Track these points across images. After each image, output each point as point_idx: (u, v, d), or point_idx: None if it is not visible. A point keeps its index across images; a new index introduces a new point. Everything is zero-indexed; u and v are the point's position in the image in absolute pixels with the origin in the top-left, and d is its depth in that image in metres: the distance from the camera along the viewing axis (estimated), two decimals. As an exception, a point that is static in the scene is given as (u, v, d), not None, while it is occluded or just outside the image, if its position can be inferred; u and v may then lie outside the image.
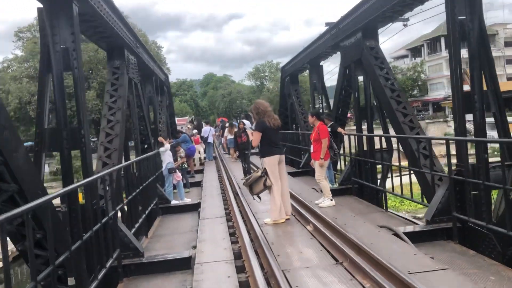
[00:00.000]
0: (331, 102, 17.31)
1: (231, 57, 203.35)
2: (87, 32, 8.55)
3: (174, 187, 12.28)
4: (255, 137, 7.34)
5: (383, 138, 10.68)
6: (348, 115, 16.63)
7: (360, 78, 11.19)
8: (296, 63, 17.44)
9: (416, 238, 6.41)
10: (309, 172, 14.46)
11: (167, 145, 11.69)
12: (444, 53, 74.34)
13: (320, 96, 15.57)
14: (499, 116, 6.69)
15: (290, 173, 14.98)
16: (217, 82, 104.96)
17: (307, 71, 18.95)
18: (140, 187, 8.84)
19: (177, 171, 11.98)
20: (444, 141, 7.12)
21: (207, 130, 21.92)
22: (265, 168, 7.35)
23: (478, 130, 6.50)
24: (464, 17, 6.51)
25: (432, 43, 78.21)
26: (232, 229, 7.66)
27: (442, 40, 74.89)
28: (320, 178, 8.61)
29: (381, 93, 9.44)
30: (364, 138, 10.52)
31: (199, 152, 20.66)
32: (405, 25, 12.33)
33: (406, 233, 6.40)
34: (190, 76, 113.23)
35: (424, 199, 7.94)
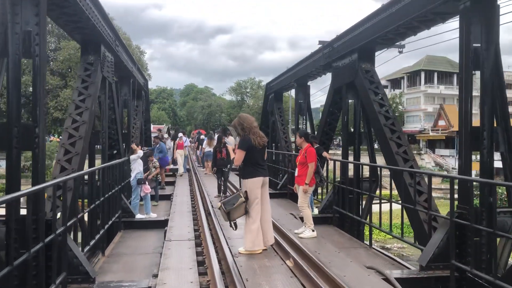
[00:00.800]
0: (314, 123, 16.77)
1: (214, 70, 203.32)
2: (59, 20, 7.66)
3: (141, 199, 11.30)
4: (238, 156, 6.52)
5: (368, 167, 10.06)
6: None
7: (351, 102, 10.60)
8: (282, 81, 16.81)
9: (408, 284, 5.68)
10: (287, 194, 13.71)
11: (140, 153, 10.75)
12: (423, 87, 75.91)
13: (304, 117, 14.93)
14: (508, 157, 6.07)
15: (266, 194, 14.23)
16: (198, 93, 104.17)
17: (293, 90, 18.41)
18: (102, 198, 7.86)
19: (146, 182, 11.02)
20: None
21: (182, 139, 20.99)
22: (246, 191, 6.53)
23: (485, 170, 5.86)
24: (479, 45, 5.96)
25: (412, 77, 79.69)
26: (201, 256, 6.77)
27: (422, 74, 76.56)
28: (303, 205, 7.85)
29: (374, 119, 8.82)
30: (352, 165, 9.86)
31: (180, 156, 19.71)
32: (400, 52, 11.85)
33: (397, 279, 5.66)
34: (171, 85, 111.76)
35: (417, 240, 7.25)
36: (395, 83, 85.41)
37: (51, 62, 54.64)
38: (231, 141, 16.38)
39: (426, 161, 65.91)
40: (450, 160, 63.49)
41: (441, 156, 67.48)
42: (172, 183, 17.50)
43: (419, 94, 76.94)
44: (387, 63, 22.96)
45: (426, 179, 7.11)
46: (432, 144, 71.35)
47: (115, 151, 11.75)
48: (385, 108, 8.82)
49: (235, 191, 14.28)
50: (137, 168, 10.75)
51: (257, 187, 6.53)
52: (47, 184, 4.77)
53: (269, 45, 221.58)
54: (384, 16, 8.37)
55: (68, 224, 5.27)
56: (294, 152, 14.64)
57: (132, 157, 10.66)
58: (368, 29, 9.04)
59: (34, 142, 5.33)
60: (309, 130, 15.13)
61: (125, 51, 12.48)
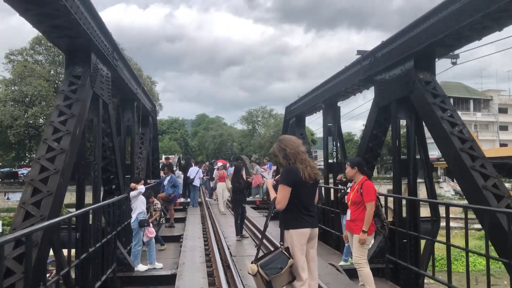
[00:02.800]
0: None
1: (226, 101, 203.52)
2: (41, 25, 5.83)
3: (143, 243, 9.24)
4: (281, 195, 4.44)
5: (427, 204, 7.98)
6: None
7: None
8: (306, 103, 14.84)
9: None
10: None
11: (141, 188, 8.72)
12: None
13: (334, 142, 12.86)
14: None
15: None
16: (209, 123, 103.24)
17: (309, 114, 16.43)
18: (92, 249, 5.84)
19: (150, 224, 8.96)
20: None
21: (194, 171, 18.82)
22: (287, 248, 4.43)
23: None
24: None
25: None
26: None
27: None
28: (360, 262, 5.69)
29: (445, 143, 6.72)
30: (406, 202, 7.76)
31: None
32: (453, 63, 9.84)
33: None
34: (184, 115, 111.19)
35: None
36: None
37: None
38: (258, 169, 14.18)
39: (445, 189, 63.06)
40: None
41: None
42: (183, 220, 15.38)
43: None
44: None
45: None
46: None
47: (113, 186, 9.78)
48: (459, 128, 6.73)
49: (256, 232, 12.28)
50: (139, 207, 8.71)
51: (302, 242, 4.45)
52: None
53: (279, 76, 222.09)
54: (455, 8, 6.42)
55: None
56: (332, 185, 12.54)
57: (132, 193, 8.65)
58: (429, 28, 7.09)
59: None
60: (340, 157, 13.05)
61: (127, 68, 10.67)
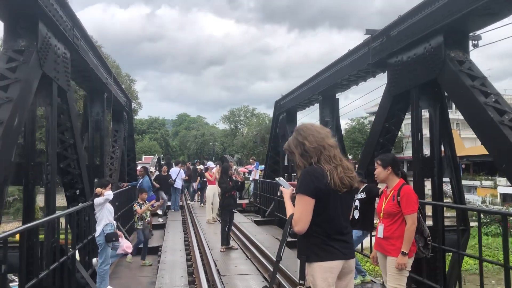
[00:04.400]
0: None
1: (207, 101, 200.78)
2: None
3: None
4: (299, 211, 2.90)
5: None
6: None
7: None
8: (299, 96, 13.40)
9: None
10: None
11: (107, 195, 7.08)
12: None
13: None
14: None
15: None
16: (190, 122, 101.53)
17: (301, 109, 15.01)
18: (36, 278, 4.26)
19: (120, 238, 7.35)
20: None
21: (175, 171, 17.11)
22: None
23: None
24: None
25: (410, 101, 77.32)
26: None
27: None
28: (399, 293, 4.23)
29: (493, 136, 5.32)
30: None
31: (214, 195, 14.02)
32: (475, 45, 8.50)
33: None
34: (165, 115, 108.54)
35: None
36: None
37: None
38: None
39: (428, 187, 62.68)
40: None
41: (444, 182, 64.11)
42: (162, 227, 13.74)
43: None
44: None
45: None
46: None
47: (76, 191, 8.15)
48: (509, 116, 5.34)
49: (246, 242, 10.71)
50: (104, 217, 7.08)
51: (330, 281, 2.94)
52: None
53: (261, 76, 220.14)
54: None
55: None
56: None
57: (97, 201, 7.01)
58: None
59: None
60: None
61: (94, 53, 9.00)
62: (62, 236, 6.65)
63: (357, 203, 6.62)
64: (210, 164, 15.03)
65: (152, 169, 19.33)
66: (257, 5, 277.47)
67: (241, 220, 14.24)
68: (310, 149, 3.05)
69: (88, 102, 10.55)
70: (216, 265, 8.06)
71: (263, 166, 25.73)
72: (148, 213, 9.57)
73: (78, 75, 8.97)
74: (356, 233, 6.68)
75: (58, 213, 6.35)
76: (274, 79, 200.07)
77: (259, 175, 21.43)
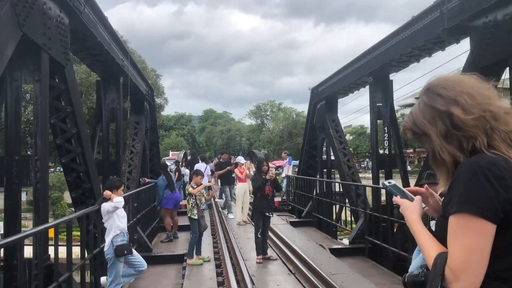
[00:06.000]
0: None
1: (233, 97, 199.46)
2: None
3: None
4: (467, 249, 1.29)
5: None
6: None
7: None
8: (342, 79, 11.66)
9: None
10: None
11: (117, 201, 5.59)
12: None
13: (386, 128, 9.63)
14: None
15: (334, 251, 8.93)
16: (216, 118, 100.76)
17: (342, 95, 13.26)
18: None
19: (133, 251, 5.87)
20: None
21: (201, 167, 15.55)
22: None
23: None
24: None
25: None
26: None
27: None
28: None
29: None
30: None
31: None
32: None
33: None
34: (192, 112, 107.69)
35: None
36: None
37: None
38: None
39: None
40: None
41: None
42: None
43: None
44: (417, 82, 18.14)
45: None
46: None
47: (83, 192, 6.74)
48: None
49: (285, 250, 9.11)
50: (113, 227, 5.60)
51: None
52: None
53: (287, 72, 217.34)
54: None
55: None
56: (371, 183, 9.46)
57: (105, 207, 5.53)
58: None
59: None
60: (393, 149, 9.84)
61: (105, 27, 7.54)
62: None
63: None
64: (240, 159, 13.43)
65: (173, 166, 17.91)
66: (283, 0, 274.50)
67: (275, 221, 12.63)
68: (467, 122, 1.45)
69: (101, 87, 9.14)
70: (253, 283, 6.51)
71: (296, 161, 24.14)
72: (203, 200, 8.27)
73: (86, 53, 7.56)
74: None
75: (52, 222, 4.91)
76: (300, 74, 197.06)
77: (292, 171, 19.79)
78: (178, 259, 8.85)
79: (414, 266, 5.59)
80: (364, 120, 52.02)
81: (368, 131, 61.35)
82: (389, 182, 1.83)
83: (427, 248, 1.53)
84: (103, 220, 5.67)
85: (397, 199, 1.75)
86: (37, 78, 4.76)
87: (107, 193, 5.69)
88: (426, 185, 1.99)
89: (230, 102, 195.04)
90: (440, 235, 1.52)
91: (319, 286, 6.09)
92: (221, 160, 13.98)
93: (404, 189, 1.78)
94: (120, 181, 6.13)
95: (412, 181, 8.86)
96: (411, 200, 1.70)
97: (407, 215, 1.66)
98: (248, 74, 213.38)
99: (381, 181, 9.67)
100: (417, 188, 1.88)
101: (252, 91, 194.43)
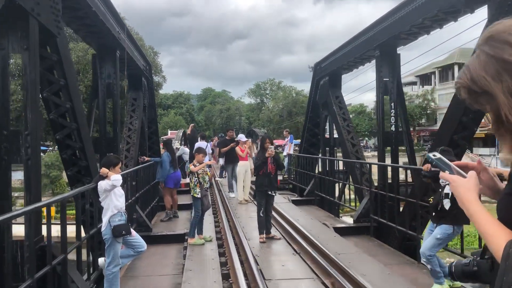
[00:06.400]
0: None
1: (232, 75, 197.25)
2: None
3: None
4: None
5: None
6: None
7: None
8: (347, 54, 11.25)
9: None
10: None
11: (114, 179, 5.29)
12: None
13: (392, 103, 9.29)
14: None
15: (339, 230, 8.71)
16: (215, 97, 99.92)
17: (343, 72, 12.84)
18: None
19: (131, 231, 5.61)
20: None
21: (202, 145, 15.23)
22: None
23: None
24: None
25: (444, 71, 73.12)
26: None
27: (456, 68, 69.85)
28: None
29: None
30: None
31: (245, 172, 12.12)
32: None
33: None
34: (190, 90, 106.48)
35: None
36: (424, 79, 78.82)
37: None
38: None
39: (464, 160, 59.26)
40: (489, 159, 55.68)
41: (480, 155, 60.38)
42: (188, 207, 12.00)
43: (452, 90, 69.83)
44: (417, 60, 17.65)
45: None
46: (469, 143, 64.35)
47: (78, 170, 6.45)
48: None
49: (289, 229, 8.81)
50: (111, 206, 5.32)
51: None
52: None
53: (287, 49, 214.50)
54: None
55: None
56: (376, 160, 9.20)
57: (101, 185, 5.24)
58: None
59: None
60: (400, 126, 9.52)
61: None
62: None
63: (448, 189, 4.84)
64: (242, 137, 13.09)
65: (177, 144, 17.63)
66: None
67: (277, 199, 12.40)
68: None
69: (97, 61, 8.75)
70: (257, 263, 6.27)
71: (297, 140, 23.83)
72: (207, 178, 8.03)
73: (80, 23, 7.15)
74: (445, 229, 4.97)
75: (44, 200, 4.62)
76: (300, 52, 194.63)
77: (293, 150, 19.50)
78: (179, 239, 8.60)
79: (425, 247, 5.37)
80: (363, 99, 51.38)
81: (368, 109, 60.30)
82: (434, 155, 1.50)
83: (492, 234, 1.22)
84: (100, 199, 5.39)
85: (445, 175, 1.43)
86: (26, 46, 4.39)
87: (104, 170, 5.39)
88: (479, 158, 1.69)
89: (229, 81, 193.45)
90: (506, 218, 1.23)
91: (326, 266, 5.84)
92: (226, 137, 13.52)
93: (452, 164, 1.46)
94: (117, 158, 5.82)
95: (418, 160, 8.59)
96: (463, 176, 1.39)
97: (462, 194, 1.34)
98: (247, 52, 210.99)
99: (400, 160, 9.42)
100: (466, 162, 1.56)
101: (252, 70, 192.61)
